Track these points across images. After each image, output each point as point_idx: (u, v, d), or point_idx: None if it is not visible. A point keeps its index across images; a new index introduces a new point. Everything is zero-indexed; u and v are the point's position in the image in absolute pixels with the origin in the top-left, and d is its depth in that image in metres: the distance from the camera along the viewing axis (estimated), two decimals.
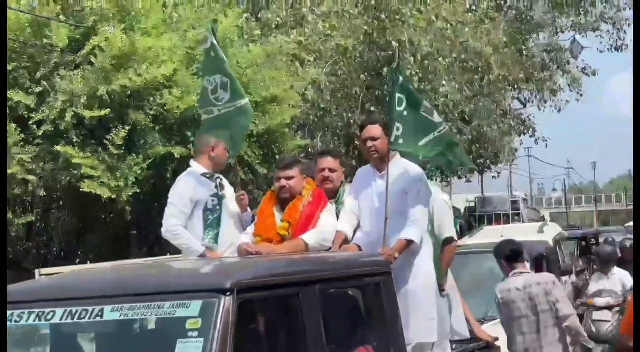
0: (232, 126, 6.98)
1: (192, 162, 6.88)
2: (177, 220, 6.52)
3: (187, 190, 6.62)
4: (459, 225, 26.55)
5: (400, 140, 6.39)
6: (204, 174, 6.72)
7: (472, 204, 39.00)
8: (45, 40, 14.03)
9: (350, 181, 6.90)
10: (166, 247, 14.83)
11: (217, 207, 6.66)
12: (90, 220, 15.95)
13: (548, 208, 75.16)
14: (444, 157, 6.69)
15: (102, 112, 13.58)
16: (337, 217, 6.49)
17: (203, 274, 4.86)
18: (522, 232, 11.64)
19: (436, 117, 6.48)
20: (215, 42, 7.03)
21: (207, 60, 7.26)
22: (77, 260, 15.82)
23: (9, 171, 13.36)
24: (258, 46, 16.92)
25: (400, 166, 6.47)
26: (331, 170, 6.63)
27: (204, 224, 6.58)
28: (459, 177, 27.36)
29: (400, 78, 6.50)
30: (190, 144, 13.17)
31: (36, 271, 10.57)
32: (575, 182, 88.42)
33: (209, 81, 6.97)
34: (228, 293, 4.09)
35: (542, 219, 33.85)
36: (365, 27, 19.22)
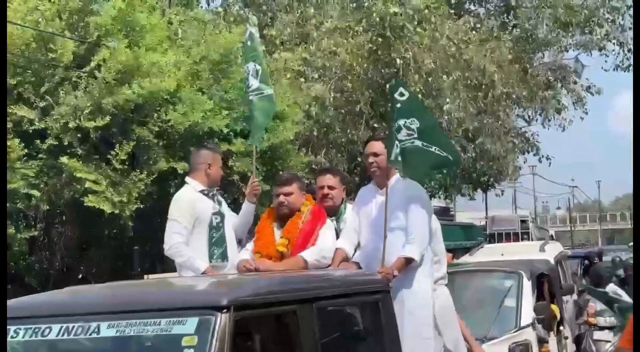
0: (255, 115, 7.27)
1: (188, 179, 6.89)
2: (180, 237, 6.51)
3: (187, 206, 6.62)
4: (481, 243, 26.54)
5: (399, 158, 6.40)
6: (201, 191, 6.73)
7: (484, 223, 39.57)
8: (50, 55, 14.08)
9: (353, 199, 6.90)
10: (169, 264, 14.84)
11: (221, 224, 6.69)
12: (94, 235, 15.95)
13: (553, 226, 75.12)
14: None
15: (105, 121, 13.59)
16: (338, 234, 6.49)
17: (200, 291, 4.85)
18: (523, 250, 11.59)
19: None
20: (254, 31, 7.53)
21: (245, 49, 7.74)
22: (80, 276, 15.82)
23: (12, 186, 13.38)
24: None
25: (401, 184, 6.47)
26: (331, 187, 6.63)
27: (209, 242, 6.59)
28: (462, 195, 27.30)
29: (395, 96, 6.50)
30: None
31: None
32: (580, 201, 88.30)
33: (245, 69, 7.39)
34: (224, 310, 4.07)
35: (552, 238, 33.95)
36: (370, 45, 19.27)
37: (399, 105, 6.44)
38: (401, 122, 6.36)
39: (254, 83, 7.23)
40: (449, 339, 6.41)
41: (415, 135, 6.32)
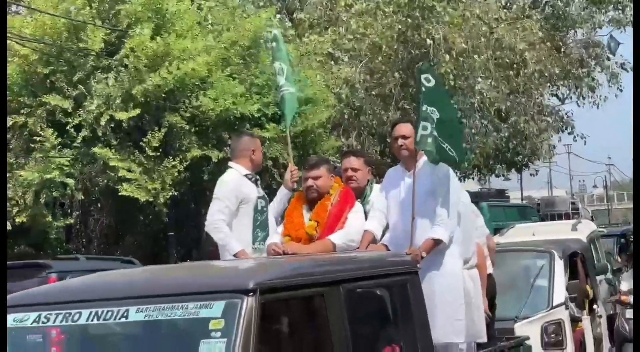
0: (286, 110, 7.71)
1: (232, 163, 7.00)
2: (223, 215, 6.63)
3: (233, 188, 6.74)
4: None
5: (429, 140, 6.37)
6: (246, 175, 6.85)
7: (537, 204, 39.80)
8: (81, 44, 14.17)
9: (381, 181, 6.90)
10: (204, 249, 14.96)
11: (265, 208, 6.84)
12: (129, 222, 16.10)
13: (590, 205, 74.46)
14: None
15: (136, 112, 13.67)
16: (365, 216, 6.51)
17: (226, 275, 4.88)
18: (554, 230, 11.50)
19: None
20: (277, 33, 7.99)
21: (272, 49, 8.11)
22: None
23: (48, 176, 13.55)
24: (292, 46, 16.99)
25: (429, 165, 6.45)
26: (355, 169, 6.65)
27: (254, 225, 6.73)
28: (497, 176, 27.09)
29: (422, 78, 6.48)
30: (227, 147, 13.27)
31: None
32: (616, 179, 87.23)
33: (275, 68, 7.80)
34: (251, 294, 4.08)
35: (592, 218, 33.92)
36: (399, 26, 19.18)
37: (424, 89, 6.44)
38: (424, 108, 6.38)
39: (281, 80, 7.58)
40: (476, 320, 6.37)
41: (433, 126, 6.33)
